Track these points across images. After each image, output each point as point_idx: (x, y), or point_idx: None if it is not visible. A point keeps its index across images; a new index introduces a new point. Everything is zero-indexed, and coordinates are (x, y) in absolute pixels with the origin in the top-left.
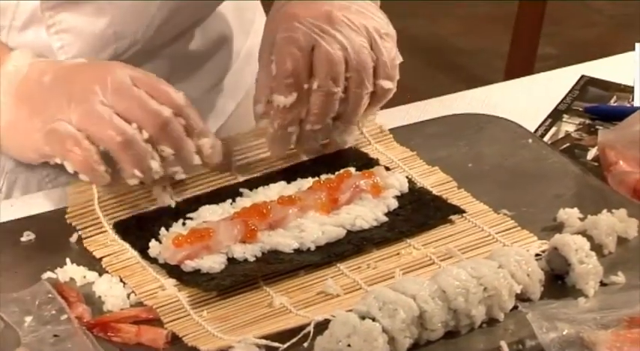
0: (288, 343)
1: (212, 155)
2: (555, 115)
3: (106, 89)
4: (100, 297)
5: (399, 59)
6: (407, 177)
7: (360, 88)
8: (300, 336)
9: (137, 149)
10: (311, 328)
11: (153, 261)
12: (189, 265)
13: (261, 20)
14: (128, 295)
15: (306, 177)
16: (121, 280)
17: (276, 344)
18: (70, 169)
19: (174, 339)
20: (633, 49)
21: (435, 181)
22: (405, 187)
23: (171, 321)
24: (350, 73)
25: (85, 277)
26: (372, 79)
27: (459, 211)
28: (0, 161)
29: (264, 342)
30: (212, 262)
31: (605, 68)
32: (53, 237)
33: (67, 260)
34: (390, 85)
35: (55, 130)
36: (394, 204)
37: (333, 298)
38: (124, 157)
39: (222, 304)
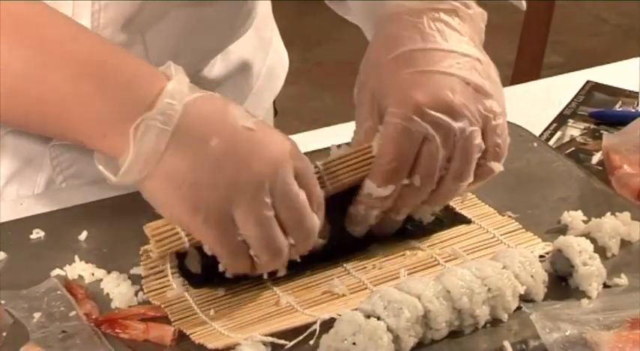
0: (294, 341)
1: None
2: (561, 120)
3: (275, 189)
4: (107, 294)
5: (508, 138)
6: None
7: (459, 180)
8: (306, 334)
9: (282, 259)
10: (317, 327)
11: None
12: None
13: (277, 36)
14: (136, 293)
15: None
16: (129, 278)
17: (282, 342)
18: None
19: (182, 336)
20: (639, 55)
21: None
22: None
23: (178, 319)
24: (453, 164)
25: (93, 274)
26: (478, 162)
27: (465, 221)
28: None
29: (270, 339)
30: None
31: (611, 74)
32: (62, 235)
33: (76, 258)
34: (499, 167)
35: (223, 232)
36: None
37: (339, 298)
38: (267, 264)
39: (229, 302)
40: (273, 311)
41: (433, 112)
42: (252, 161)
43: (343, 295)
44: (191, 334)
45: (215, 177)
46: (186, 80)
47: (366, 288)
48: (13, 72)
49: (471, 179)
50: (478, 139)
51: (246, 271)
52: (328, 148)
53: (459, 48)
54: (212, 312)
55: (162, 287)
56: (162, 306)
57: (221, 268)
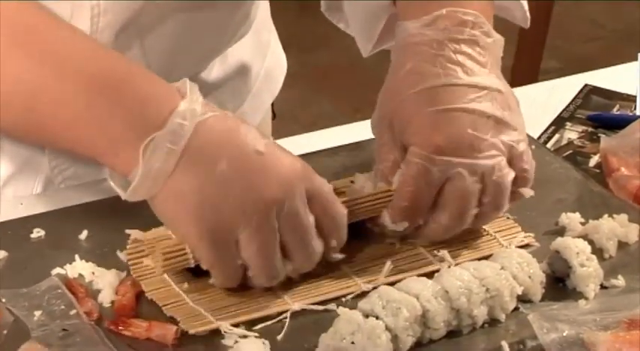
0: (260, 325)
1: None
2: (559, 123)
3: (282, 213)
4: None
5: (534, 163)
6: None
7: (496, 211)
8: (275, 321)
9: (278, 281)
10: (287, 315)
11: None
12: None
13: (275, 39)
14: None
15: None
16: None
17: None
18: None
19: (184, 335)
20: (636, 59)
21: None
22: None
23: (151, 290)
24: (486, 198)
25: (93, 273)
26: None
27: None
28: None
29: (245, 332)
30: None
31: (608, 77)
32: (63, 234)
33: (76, 257)
34: (530, 192)
35: (224, 255)
36: None
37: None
38: (263, 282)
39: (204, 279)
40: (250, 293)
41: (452, 152)
42: (261, 186)
43: (327, 284)
44: (163, 305)
45: (222, 200)
46: (199, 99)
47: (355, 282)
48: (28, 88)
49: (507, 208)
50: (506, 169)
51: (235, 285)
52: (330, 149)
53: (480, 81)
54: (186, 285)
55: (141, 257)
56: (135, 276)
57: (211, 281)
